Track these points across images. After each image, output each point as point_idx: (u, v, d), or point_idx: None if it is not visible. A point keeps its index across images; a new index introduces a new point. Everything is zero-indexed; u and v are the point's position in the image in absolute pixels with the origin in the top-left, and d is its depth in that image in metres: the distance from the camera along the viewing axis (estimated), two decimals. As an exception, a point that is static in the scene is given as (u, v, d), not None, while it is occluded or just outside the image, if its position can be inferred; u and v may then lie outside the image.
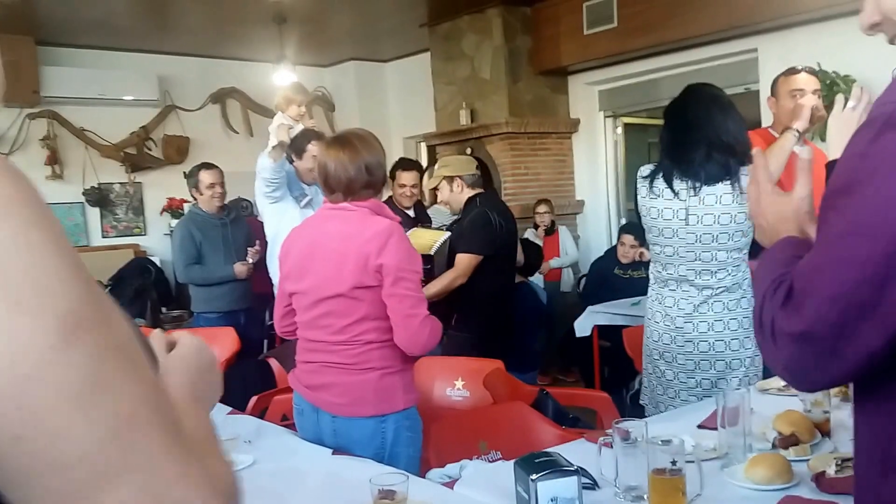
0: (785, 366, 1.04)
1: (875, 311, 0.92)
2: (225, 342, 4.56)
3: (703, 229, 2.86)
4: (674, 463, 1.65)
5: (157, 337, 0.89)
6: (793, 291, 1.00)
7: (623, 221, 7.42)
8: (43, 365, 0.53)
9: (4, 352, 0.52)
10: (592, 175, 7.73)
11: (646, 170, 3.03)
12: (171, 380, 0.83)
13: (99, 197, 7.99)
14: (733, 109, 2.93)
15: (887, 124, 0.92)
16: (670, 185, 2.90)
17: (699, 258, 2.90)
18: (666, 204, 2.92)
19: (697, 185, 2.85)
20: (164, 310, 7.42)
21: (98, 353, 0.56)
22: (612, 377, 5.59)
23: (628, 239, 5.95)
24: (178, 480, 0.58)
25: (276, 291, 4.62)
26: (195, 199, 5.17)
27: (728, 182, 2.82)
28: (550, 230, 6.86)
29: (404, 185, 5.07)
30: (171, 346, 0.90)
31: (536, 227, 6.91)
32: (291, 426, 2.85)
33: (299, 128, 4.55)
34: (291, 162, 4.44)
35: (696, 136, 2.87)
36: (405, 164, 5.44)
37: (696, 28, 6.16)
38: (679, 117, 2.98)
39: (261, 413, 3.22)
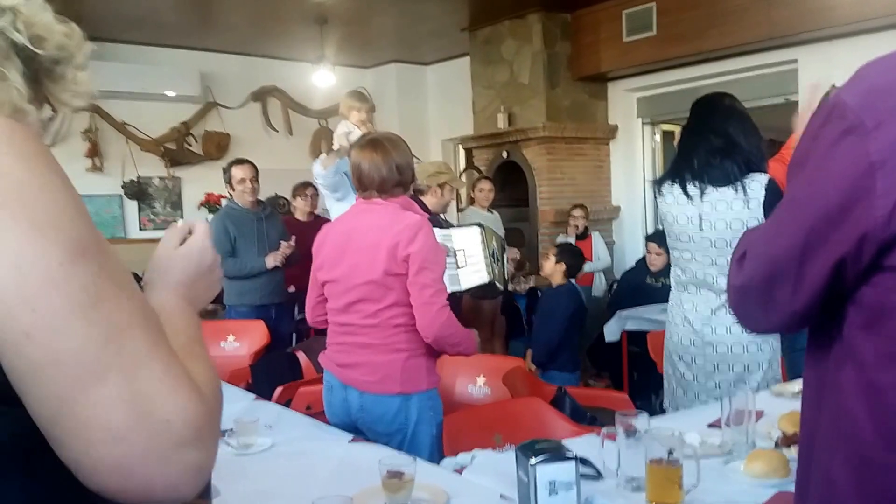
0: (734, 311, 1.19)
1: (797, 276, 1.01)
2: (255, 335, 4.68)
3: (716, 234, 2.89)
4: (670, 453, 1.68)
5: (175, 229, 1.03)
6: (745, 252, 1.13)
7: (659, 227, 7.41)
8: (54, 277, 0.67)
9: (24, 265, 0.66)
10: (629, 181, 7.74)
11: (661, 176, 3.11)
12: (168, 277, 0.98)
13: (137, 190, 8.11)
14: (744, 118, 2.96)
15: (831, 115, 0.98)
16: (684, 190, 2.94)
17: (715, 263, 2.92)
18: (680, 209, 2.97)
19: (704, 188, 2.89)
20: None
21: (98, 273, 0.70)
22: (641, 382, 5.59)
23: (653, 247, 5.96)
24: (160, 381, 0.71)
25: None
26: (230, 194, 5.28)
27: (735, 187, 2.84)
28: (583, 235, 6.87)
29: None
30: (183, 239, 1.03)
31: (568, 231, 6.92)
32: (315, 416, 2.92)
33: (357, 133, 4.69)
34: None
35: (701, 140, 2.92)
36: None
37: (735, 38, 6.15)
38: (690, 124, 3.04)
39: (286, 403, 3.29)
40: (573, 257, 5.15)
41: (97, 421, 0.68)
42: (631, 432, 1.85)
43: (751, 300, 1.12)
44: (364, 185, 2.72)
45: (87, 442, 0.68)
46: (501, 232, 5.95)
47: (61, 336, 0.67)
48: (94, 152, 7.82)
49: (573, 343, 5.00)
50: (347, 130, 4.71)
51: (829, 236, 0.96)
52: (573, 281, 5.08)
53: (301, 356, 4.20)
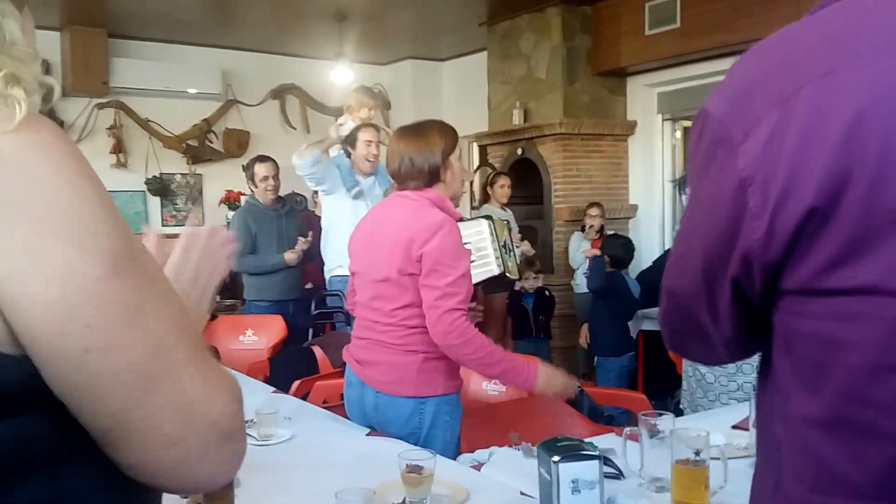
0: (671, 349, 1.09)
1: (710, 306, 0.93)
2: (273, 329, 4.74)
3: None
4: (697, 454, 1.65)
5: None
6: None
7: (678, 228, 7.26)
8: (98, 292, 0.67)
9: (67, 283, 0.65)
10: (648, 180, 7.59)
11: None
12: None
13: (160, 186, 8.19)
14: None
15: (703, 127, 0.88)
16: None
17: None
18: None
19: None
20: (217, 298, 7.57)
21: (137, 284, 0.70)
22: (657, 383, 5.55)
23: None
24: (203, 384, 0.74)
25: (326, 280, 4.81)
26: (252, 191, 5.31)
27: None
28: (598, 234, 6.78)
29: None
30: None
31: (584, 229, 6.84)
32: (331, 409, 2.92)
33: (349, 125, 4.71)
34: (349, 156, 4.63)
35: None
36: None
37: (764, 30, 5.74)
38: None
39: (303, 397, 3.28)
40: (617, 249, 5.44)
41: (154, 429, 0.70)
42: (654, 433, 1.82)
43: (683, 335, 1.04)
44: (392, 175, 2.69)
45: (144, 447, 0.71)
46: (514, 230, 5.90)
47: (116, 350, 0.68)
48: (119, 148, 7.92)
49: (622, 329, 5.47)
50: (341, 122, 4.74)
51: (721, 260, 0.87)
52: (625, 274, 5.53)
53: (317, 351, 4.21)
